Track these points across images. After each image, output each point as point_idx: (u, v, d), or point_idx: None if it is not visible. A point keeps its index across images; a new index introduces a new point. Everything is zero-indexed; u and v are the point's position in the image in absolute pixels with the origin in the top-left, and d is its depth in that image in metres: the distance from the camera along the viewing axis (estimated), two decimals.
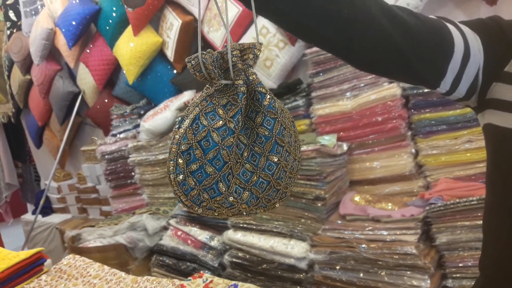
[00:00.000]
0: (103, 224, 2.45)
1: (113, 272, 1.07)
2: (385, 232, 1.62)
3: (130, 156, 2.79)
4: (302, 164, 1.84)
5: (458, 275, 1.54)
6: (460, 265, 1.54)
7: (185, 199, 0.55)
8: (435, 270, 1.53)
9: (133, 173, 2.84)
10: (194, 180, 0.53)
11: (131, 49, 2.78)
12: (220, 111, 0.54)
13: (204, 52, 0.56)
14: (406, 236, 1.58)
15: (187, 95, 2.63)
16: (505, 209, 0.71)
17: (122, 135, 2.93)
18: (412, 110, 1.86)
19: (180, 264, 2.13)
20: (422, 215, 1.62)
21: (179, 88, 2.81)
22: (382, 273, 1.56)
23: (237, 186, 0.56)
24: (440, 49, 0.65)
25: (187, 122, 0.54)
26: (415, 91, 1.82)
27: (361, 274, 1.60)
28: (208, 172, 0.53)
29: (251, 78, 0.55)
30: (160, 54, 2.83)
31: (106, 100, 3.16)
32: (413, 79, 0.71)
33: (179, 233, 2.18)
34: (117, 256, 2.18)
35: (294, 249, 1.75)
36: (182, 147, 0.53)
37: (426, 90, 1.77)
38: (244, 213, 0.59)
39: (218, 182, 0.54)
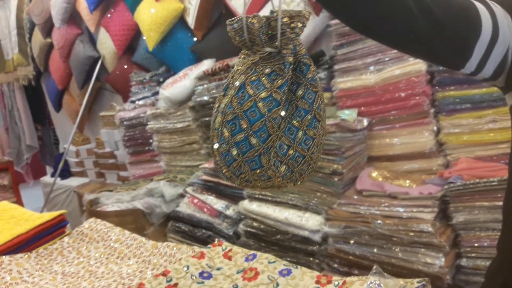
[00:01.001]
0: (121, 189, 2.49)
1: (133, 237, 1.10)
2: (401, 209, 1.62)
3: (148, 123, 2.81)
4: None
5: (473, 254, 1.54)
6: (475, 245, 1.53)
7: (226, 170, 0.55)
8: (450, 249, 1.53)
9: (151, 140, 2.87)
10: (238, 151, 0.52)
11: (152, 14, 2.76)
12: (265, 81, 0.52)
13: (250, 16, 0.53)
14: (422, 214, 1.57)
15: (206, 64, 2.61)
16: None
17: (141, 102, 2.94)
18: (437, 87, 1.82)
19: (195, 231, 2.17)
20: (440, 194, 1.61)
21: (199, 57, 2.79)
22: (396, 249, 1.57)
23: (275, 159, 0.54)
24: (466, 32, 0.64)
25: (232, 91, 0.52)
26: (440, 68, 1.78)
27: (375, 250, 1.61)
28: (252, 144, 0.52)
29: (297, 48, 0.53)
30: (180, 21, 2.80)
31: (125, 66, 3.16)
32: (437, 61, 0.71)
33: (195, 201, 2.22)
34: (134, 221, 2.22)
35: (309, 222, 1.76)
36: (228, 117, 0.51)
37: None
38: (276, 187, 0.58)
39: (261, 154, 0.52)
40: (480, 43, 0.64)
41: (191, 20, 2.70)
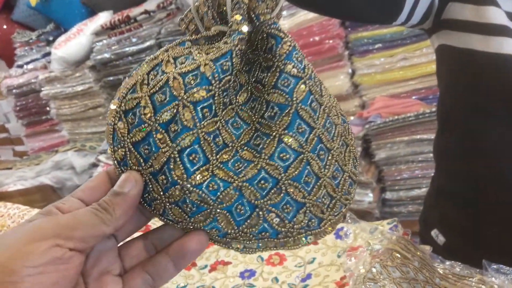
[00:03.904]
0: (21, 165, 2.23)
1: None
2: None
3: (42, 89, 2.51)
4: None
5: (396, 187, 1.63)
6: (397, 178, 1.62)
7: None
8: (375, 185, 1.60)
9: (48, 108, 2.59)
10: (138, 157, 0.32)
11: None
12: (197, 54, 0.32)
13: None
14: None
15: (103, 17, 2.36)
16: (458, 129, 0.72)
17: (30, 66, 2.60)
18: (349, 29, 1.83)
19: None
20: (362, 133, 1.66)
21: (92, 9, 2.51)
22: None
23: (215, 178, 0.32)
24: None
25: (144, 68, 0.33)
26: None
27: None
28: (158, 144, 0.31)
29: (261, 18, 0.34)
30: None
31: (5, 26, 2.76)
32: (368, 21, 0.70)
33: None
34: (43, 198, 2.01)
35: None
36: (127, 105, 0.32)
37: None
38: (231, 235, 0.34)
39: (170, 161, 0.31)
40: None
41: None
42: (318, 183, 0.35)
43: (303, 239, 0.36)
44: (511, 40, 0.58)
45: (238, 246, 0.34)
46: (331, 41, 1.83)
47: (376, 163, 1.66)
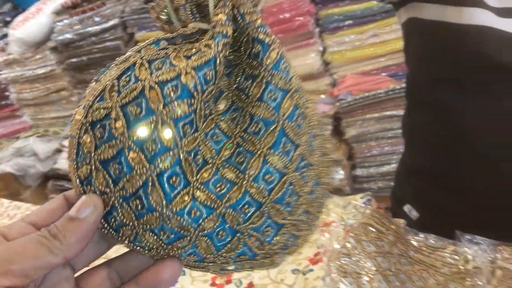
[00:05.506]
0: None
1: (16, 205, 0.91)
2: None
3: (1, 73, 2.39)
4: None
5: (366, 164, 1.64)
6: (367, 155, 1.63)
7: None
8: (346, 162, 1.60)
9: (7, 93, 2.46)
10: (107, 177, 0.27)
11: None
12: (175, 58, 0.28)
13: None
14: None
15: None
16: (427, 105, 0.71)
17: None
18: (320, 5, 1.80)
19: None
20: (333, 111, 1.65)
21: None
22: None
23: (196, 203, 0.29)
24: None
25: (113, 72, 0.29)
26: None
27: None
28: (131, 164, 0.27)
29: (247, 18, 0.30)
30: None
31: None
32: None
33: None
34: (5, 187, 1.93)
35: None
36: (94, 115, 0.27)
37: None
38: (209, 259, 0.31)
39: (147, 185, 0.27)
40: None
41: None
42: (299, 202, 0.33)
43: (280, 258, 0.34)
44: (484, 10, 0.57)
45: (215, 269, 0.32)
46: (301, 18, 1.79)
47: (346, 140, 1.66)
